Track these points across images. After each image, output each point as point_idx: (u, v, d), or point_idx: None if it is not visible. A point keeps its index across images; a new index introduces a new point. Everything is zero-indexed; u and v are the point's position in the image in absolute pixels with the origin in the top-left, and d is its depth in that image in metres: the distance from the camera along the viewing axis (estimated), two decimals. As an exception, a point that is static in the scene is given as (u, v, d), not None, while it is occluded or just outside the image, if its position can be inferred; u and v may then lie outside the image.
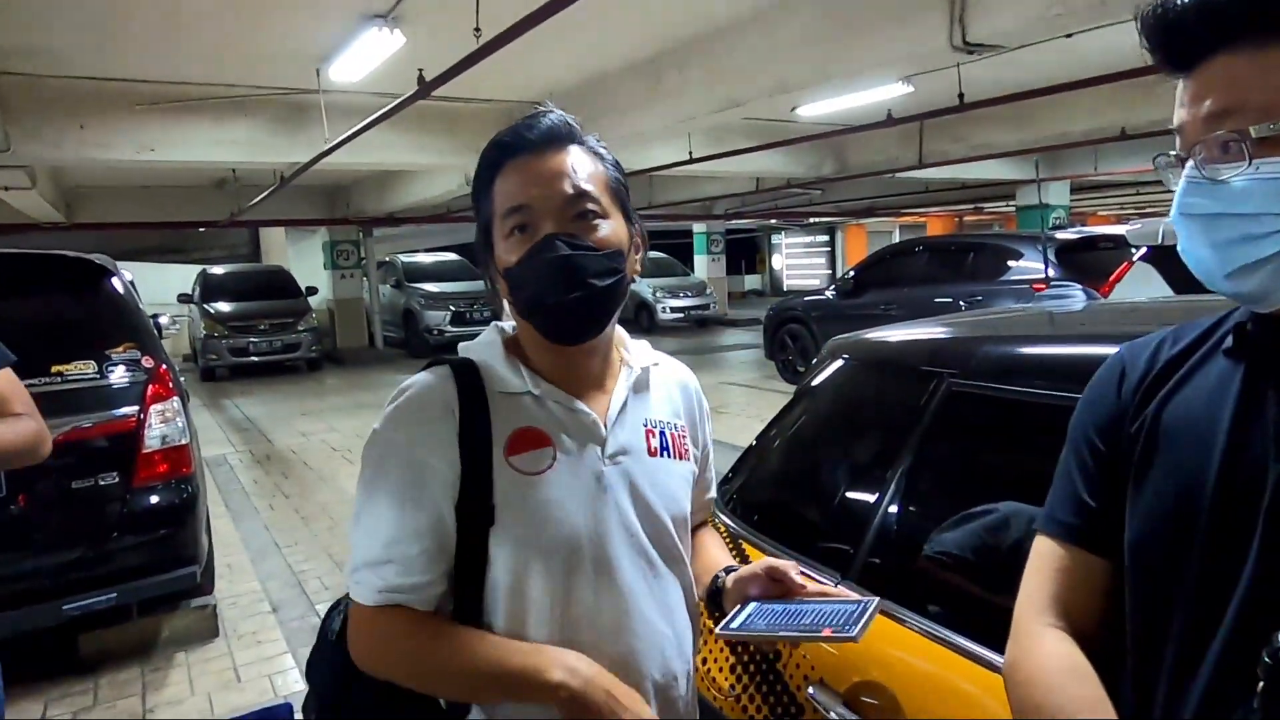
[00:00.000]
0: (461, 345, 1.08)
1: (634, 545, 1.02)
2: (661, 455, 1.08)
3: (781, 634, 0.95)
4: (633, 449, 1.05)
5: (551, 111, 1.02)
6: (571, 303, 0.96)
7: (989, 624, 1.08)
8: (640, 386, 1.10)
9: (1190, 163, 0.72)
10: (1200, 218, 0.72)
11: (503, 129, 1.02)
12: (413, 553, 0.96)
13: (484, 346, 1.06)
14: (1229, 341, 0.77)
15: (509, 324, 1.09)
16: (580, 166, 0.99)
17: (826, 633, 0.92)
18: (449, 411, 0.98)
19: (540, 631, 0.97)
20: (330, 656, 1.06)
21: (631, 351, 1.12)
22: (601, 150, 1.04)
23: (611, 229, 1.00)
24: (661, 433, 1.09)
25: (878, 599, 0.96)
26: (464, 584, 0.98)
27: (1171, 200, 0.74)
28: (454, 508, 0.96)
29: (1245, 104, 0.68)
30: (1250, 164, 0.68)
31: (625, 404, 1.06)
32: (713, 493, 1.27)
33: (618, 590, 1.00)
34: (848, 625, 0.91)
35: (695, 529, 1.23)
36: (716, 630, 1.01)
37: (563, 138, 1.00)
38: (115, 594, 3.03)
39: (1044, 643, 0.81)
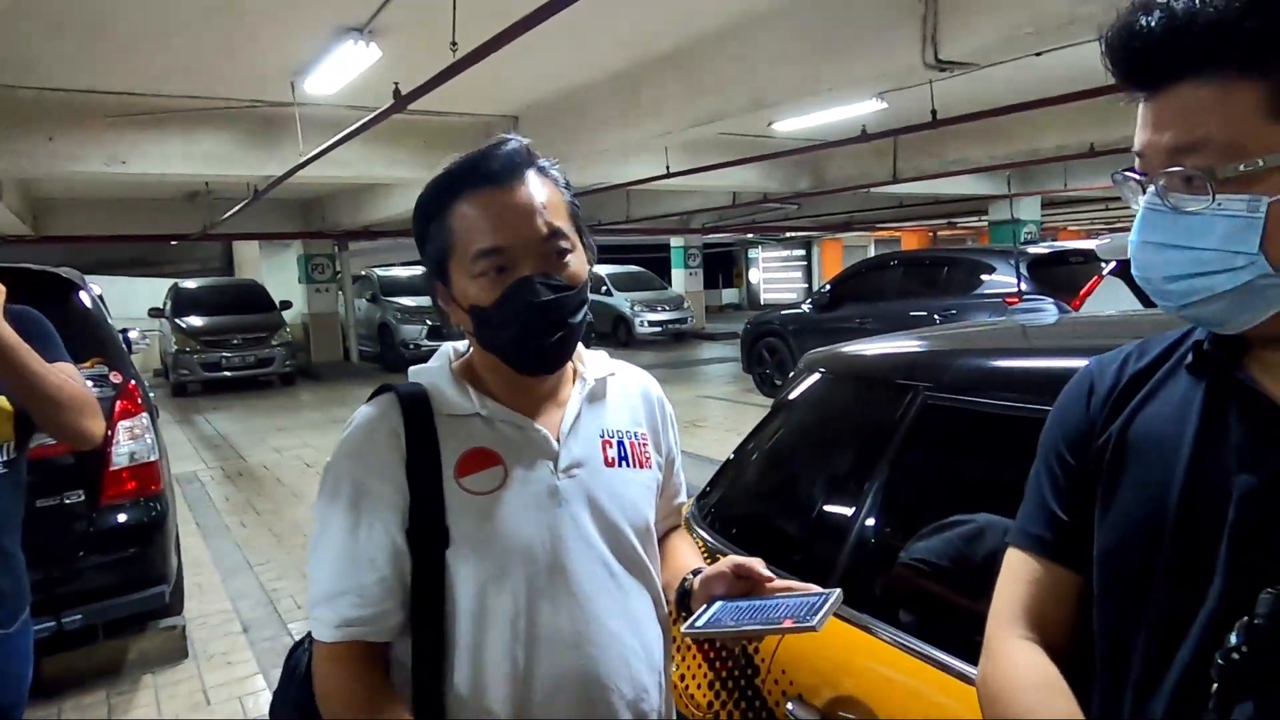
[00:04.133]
0: (411, 370, 1.08)
1: (593, 557, 1.02)
2: (620, 465, 1.08)
3: (745, 628, 0.97)
4: (588, 461, 1.05)
5: (510, 139, 1.00)
6: (553, 343, 0.99)
7: (966, 637, 1.08)
8: (595, 397, 1.10)
9: (1151, 189, 0.71)
10: (1158, 246, 0.71)
11: (457, 158, 1.00)
12: (368, 581, 0.96)
13: (432, 370, 1.07)
14: (1190, 358, 0.78)
15: (461, 344, 1.09)
16: (544, 197, 0.98)
17: (788, 624, 0.93)
18: (395, 438, 0.98)
19: (501, 647, 0.97)
20: (296, 695, 1.04)
21: (586, 364, 1.12)
22: (555, 173, 1.03)
23: (578, 261, 1.01)
24: (620, 442, 1.09)
25: (839, 590, 0.97)
26: (422, 609, 0.97)
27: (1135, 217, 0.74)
28: (405, 533, 0.97)
29: (1209, 140, 0.67)
30: (1214, 200, 0.67)
31: (579, 416, 1.07)
32: (682, 497, 1.27)
33: (577, 603, 1.00)
34: (808, 615, 0.92)
35: (666, 534, 1.23)
36: (682, 629, 1.01)
37: (522, 165, 0.99)
38: (81, 615, 2.96)
39: (1016, 655, 0.81)
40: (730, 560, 1.06)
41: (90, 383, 3.05)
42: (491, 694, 0.96)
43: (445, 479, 0.98)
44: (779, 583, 1.03)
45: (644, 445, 1.12)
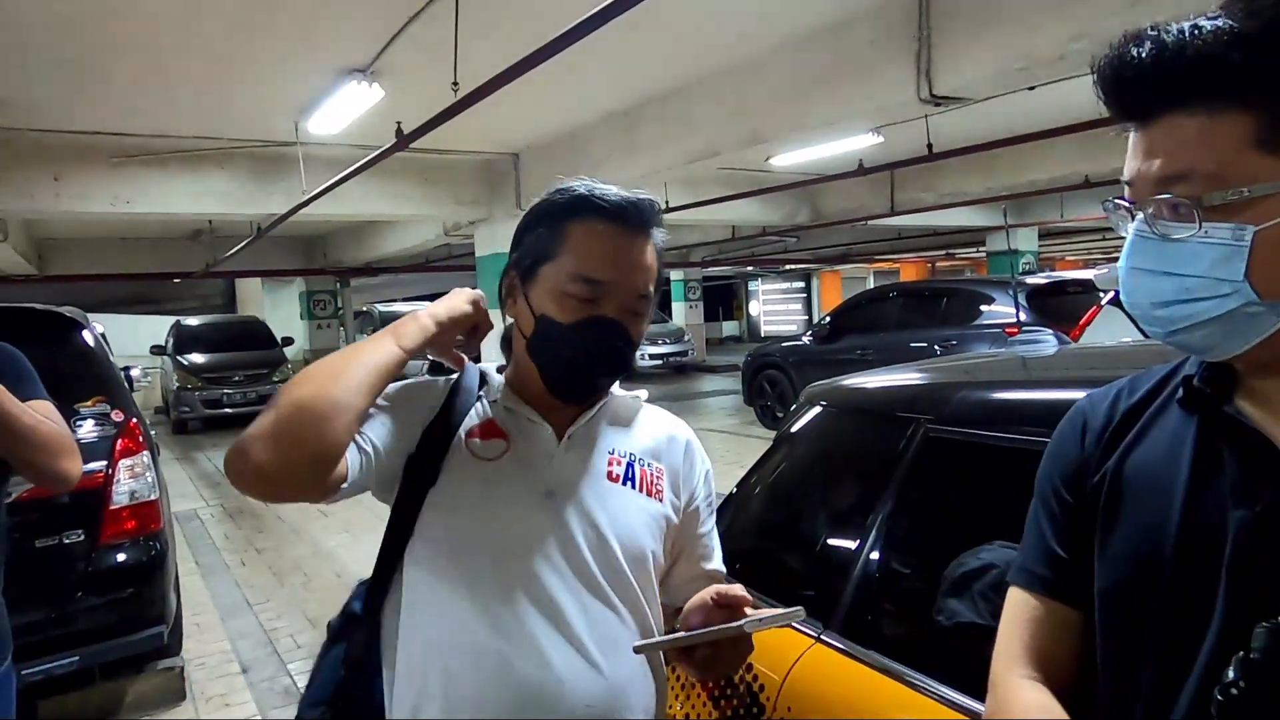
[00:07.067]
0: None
1: (569, 561, 1.02)
2: (624, 484, 1.09)
3: (680, 635, 0.98)
4: (588, 468, 1.08)
5: (647, 194, 1.07)
6: (596, 383, 1.08)
7: (975, 673, 1.07)
8: (615, 418, 1.14)
9: (1140, 217, 0.72)
10: (1146, 272, 0.73)
11: (597, 185, 1.04)
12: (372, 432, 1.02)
13: (483, 366, 1.17)
14: (1181, 393, 0.78)
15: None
16: (651, 260, 1.06)
17: (719, 627, 0.96)
18: (428, 409, 1.08)
19: (445, 611, 0.99)
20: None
21: (614, 389, 1.16)
22: (660, 244, 1.09)
23: (643, 327, 1.08)
24: (629, 465, 1.10)
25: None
26: (388, 552, 1.03)
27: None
28: (405, 458, 1.04)
29: (1195, 169, 0.68)
30: (1200, 228, 0.68)
31: (590, 425, 1.10)
32: (714, 564, 1.19)
33: (535, 594, 0.99)
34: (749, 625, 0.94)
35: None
36: (633, 645, 1.02)
37: (650, 222, 1.06)
38: (77, 657, 2.92)
39: (1021, 694, 0.80)
40: (712, 589, 1.04)
41: (92, 422, 3.07)
42: (431, 660, 0.99)
43: (456, 441, 1.05)
44: (750, 608, 1.02)
45: (658, 478, 1.12)
